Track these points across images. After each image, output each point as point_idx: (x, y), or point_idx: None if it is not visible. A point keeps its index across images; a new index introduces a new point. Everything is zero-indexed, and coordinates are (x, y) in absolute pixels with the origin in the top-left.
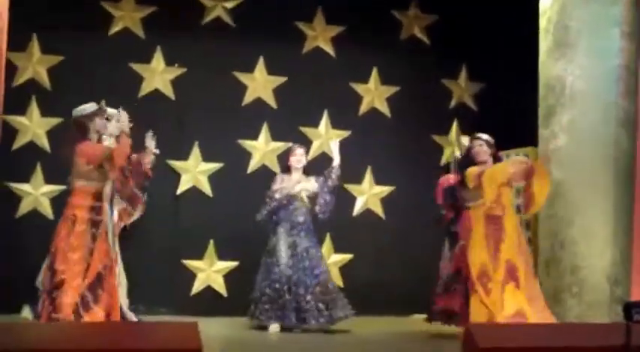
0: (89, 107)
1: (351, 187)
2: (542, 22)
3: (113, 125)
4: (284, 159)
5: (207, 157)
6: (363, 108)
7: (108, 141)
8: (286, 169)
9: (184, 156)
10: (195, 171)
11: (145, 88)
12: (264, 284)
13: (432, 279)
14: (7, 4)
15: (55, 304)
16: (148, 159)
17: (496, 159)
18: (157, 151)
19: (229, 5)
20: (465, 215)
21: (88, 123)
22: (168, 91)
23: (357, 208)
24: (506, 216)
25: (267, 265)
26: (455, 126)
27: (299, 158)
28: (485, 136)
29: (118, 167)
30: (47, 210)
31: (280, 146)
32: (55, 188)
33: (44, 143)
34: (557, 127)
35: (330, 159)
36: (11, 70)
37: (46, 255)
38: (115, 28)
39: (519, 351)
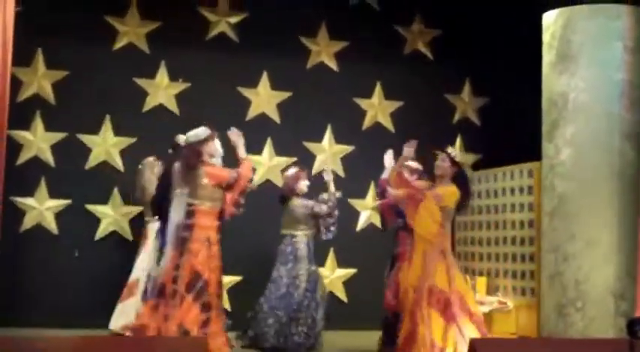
0: (202, 132)
1: (355, 202)
2: (546, 37)
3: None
4: (289, 185)
5: None
6: (367, 122)
7: (216, 161)
8: (291, 193)
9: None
10: None
11: (150, 103)
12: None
13: None
14: (13, 20)
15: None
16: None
17: (456, 179)
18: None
19: (233, 20)
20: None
21: (202, 148)
22: (173, 106)
23: (361, 223)
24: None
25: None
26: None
27: (307, 182)
28: (451, 152)
29: (241, 189)
30: (51, 224)
31: (284, 161)
32: (59, 202)
33: (48, 158)
34: (560, 141)
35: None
36: (16, 84)
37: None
38: (120, 43)
39: None
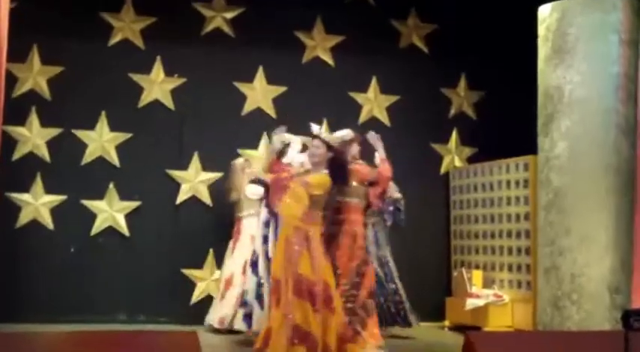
0: (347, 134)
1: None
2: (541, 30)
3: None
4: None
5: (206, 167)
6: (363, 117)
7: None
8: None
9: (184, 165)
10: (194, 181)
11: (145, 99)
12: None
13: (440, 287)
14: (7, 15)
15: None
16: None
17: (331, 163)
18: None
19: (229, 16)
20: None
21: (346, 149)
22: (168, 101)
23: None
24: None
25: None
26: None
27: None
28: (325, 137)
29: (383, 186)
30: (47, 220)
31: None
32: (54, 198)
33: (44, 153)
34: (556, 135)
35: None
36: (11, 80)
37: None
38: (115, 39)
39: None
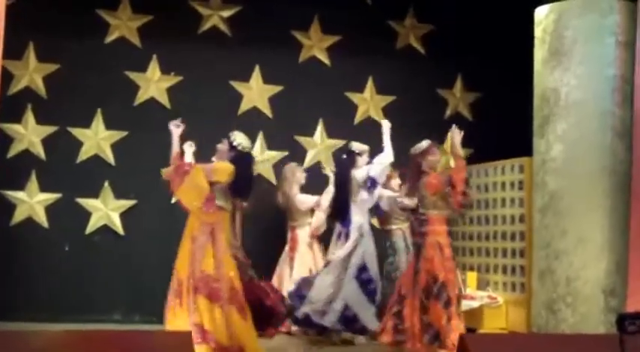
0: (425, 144)
1: None
2: (538, 32)
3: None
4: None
5: None
6: (359, 117)
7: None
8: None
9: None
10: None
11: (141, 97)
12: None
13: None
14: (4, 13)
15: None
16: None
17: (234, 162)
18: None
19: (226, 14)
20: None
21: (422, 159)
22: (164, 100)
23: None
24: None
25: None
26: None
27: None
28: (231, 137)
29: (461, 185)
30: (42, 218)
31: (275, 155)
32: (49, 196)
33: (39, 151)
34: (552, 137)
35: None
36: (7, 78)
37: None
38: (112, 37)
39: None
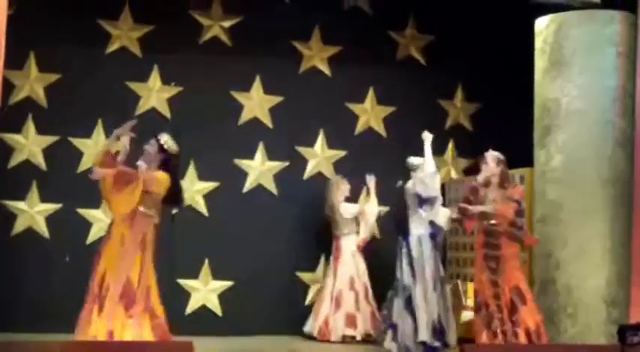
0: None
1: None
2: (538, 43)
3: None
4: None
5: (202, 176)
6: (359, 127)
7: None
8: None
9: (180, 174)
10: (190, 190)
11: (142, 107)
12: None
13: None
14: (5, 22)
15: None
16: None
17: (163, 166)
18: None
19: (226, 24)
20: None
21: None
22: (165, 110)
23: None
24: None
25: None
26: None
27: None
28: (160, 138)
29: (515, 206)
30: (42, 228)
31: (276, 165)
32: (50, 206)
33: (40, 161)
34: (553, 147)
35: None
36: (8, 87)
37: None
38: (112, 47)
39: None
